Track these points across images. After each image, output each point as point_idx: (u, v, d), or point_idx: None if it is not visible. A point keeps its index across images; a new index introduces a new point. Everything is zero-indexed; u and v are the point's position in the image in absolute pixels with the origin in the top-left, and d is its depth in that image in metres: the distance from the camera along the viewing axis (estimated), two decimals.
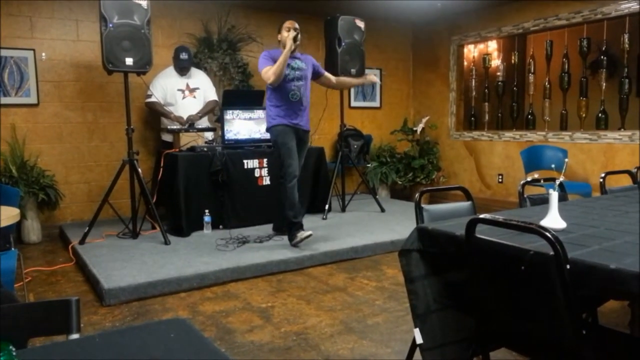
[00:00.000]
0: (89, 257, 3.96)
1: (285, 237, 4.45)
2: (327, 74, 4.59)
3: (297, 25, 4.14)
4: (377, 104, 7.41)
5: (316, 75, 4.47)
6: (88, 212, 5.17)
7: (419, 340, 1.93)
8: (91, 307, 3.23)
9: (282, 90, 4.13)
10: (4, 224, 2.32)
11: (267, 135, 5.09)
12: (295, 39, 4.04)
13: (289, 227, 4.20)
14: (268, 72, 4.03)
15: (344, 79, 4.91)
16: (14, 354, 0.79)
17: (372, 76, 4.92)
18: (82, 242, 4.38)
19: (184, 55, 5.12)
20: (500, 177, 6.42)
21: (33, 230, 4.93)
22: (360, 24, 5.41)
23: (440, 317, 1.98)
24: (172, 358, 1.00)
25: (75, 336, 1.21)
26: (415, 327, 1.95)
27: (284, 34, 4.12)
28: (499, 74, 6.77)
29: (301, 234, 4.11)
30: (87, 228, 4.43)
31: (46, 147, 5.19)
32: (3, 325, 1.20)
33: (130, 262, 3.80)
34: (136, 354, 1.02)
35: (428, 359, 1.94)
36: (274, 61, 4.07)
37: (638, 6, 4.96)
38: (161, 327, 1.17)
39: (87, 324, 2.95)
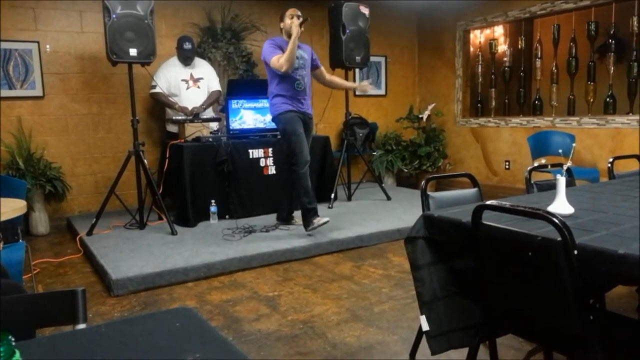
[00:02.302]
0: (96, 248, 3.99)
1: (291, 227, 4.47)
2: (322, 68, 4.52)
3: (299, 13, 4.10)
4: (382, 91, 7.37)
5: (313, 67, 4.40)
6: (95, 204, 5.20)
7: (425, 327, 1.93)
8: (99, 297, 3.26)
9: (288, 80, 4.11)
10: (11, 215, 2.33)
11: (272, 125, 5.10)
12: (301, 26, 3.98)
13: (304, 214, 4.18)
14: (280, 61, 3.98)
15: (336, 79, 4.71)
16: (14, 344, 0.79)
17: (366, 84, 4.70)
18: (89, 233, 4.40)
19: (187, 45, 5.10)
20: (507, 163, 6.39)
21: (41, 222, 4.96)
22: (365, 10, 5.36)
23: (447, 304, 1.98)
24: (179, 347, 1.00)
25: (82, 326, 1.22)
26: (422, 314, 1.95)
27: (288, 21, 4.07)
28: (505, 59, 6.71)
29: (318, 220, 4.10)
30: (95, 219, 4.46)
31: (52, 139, 5.21)
32: (11, 315, 1.21)
33: (137, 253, 3.83)
34: (142, 343, 1.02)
35: (434, 346, 1.94)
36: (281, 49, 4.04)
37: None
38: (167, 316, 1.17)
39: (96, 314, 2.98)
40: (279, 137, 4.98)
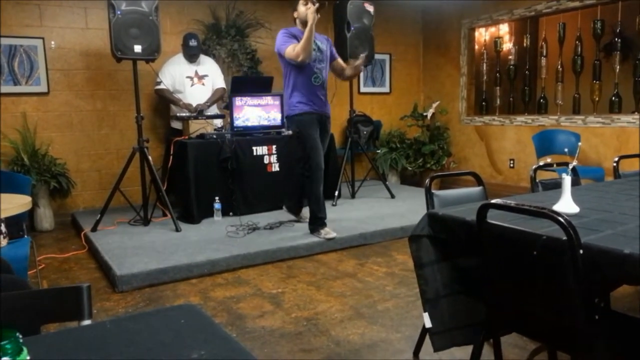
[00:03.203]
0: (101, 244, 4.00)
1: (296, 224, 4.46)
2: (339, 59, 4.25)
3: None
4: (386, 89, 7.35)
5: (331, 59, 4.16)
6: (99, 200, 5.21)
7: (428, 324, 1.93)
8: (104, 293, 3.27)
9: (304, 73, 3.89)
10: (16, 211, 2.34)
11: (276, 122, 5.11)
12: (317, 12, 3.67)
13: (311, 220, 4.14)
14: (296, 49, 3.73)
15: (347, 70, 4.22)
16: (21, 340, 0.79)
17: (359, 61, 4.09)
18: (94, 229, 4.42)
19: (192, 42, 5.10)
20: (511, 162, 6.37)
21: (45, 218, 4.98)
22: (370, 7, 5.34)
23: (450, 302, 1.98)
24: (183, 343, 1.00)
25: (87, 322, 1.22)
26: (425, 311, 1.95)
27: (302, 9, 3.82)
28: (510, 57, 6.67)
29: (325, 232, 4.05)
30: (99, 215, 4.47)
31: (57, 135, 5.22)
32: (16, 311, 1.22)
33: (141, 249, 3.83)
34: (147, 340, 1.02)
35: (437, 343, 1.94)
36: (296, 39, 3.80)
37: None
38: (172, 312, 1.17)
39: (100, 310, 2.99)
40: (284, 133, 4.99)
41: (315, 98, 3.97)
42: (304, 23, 3.77)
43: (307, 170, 4.01)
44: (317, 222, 4.10)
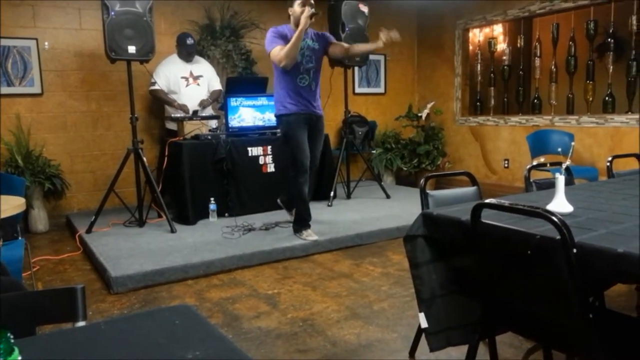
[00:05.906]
0: (96, 245, 3.99)
1: (288, 217, 4.46)
2: (335, 42, 4.03)
3: (312, 1, 3.70)
4: (381, 89, 7.36)
5: (326, 49, 3.99)
6: (94, 201, 5.19)
7: (424, 324, 1.94)
8: (99, 295, 3.26)
9: (291, 74, 3.79)
10: (10, 213, 2.33)
11: (271, 123, 5.10)
12: (311, 17, 3.60)
13: (296, 219, 4.13)
14: (280, 54, 3.64)
15: (356, 48, 4.08)
16: (12, 341, 0.79)
17: (388, 34, 3.69)
18: (88, 231, 4.40)
19: (190, 41, 5.10)
20: (506, 162, 6.39)
21: (40, 220, 4.96)
22: (364, 8, 5.35)
23: (446, 302, 1.98)
24: (177, 344, 1.00)
25: (81, 323, 1.22)
26: (420, 311, 1.95)
27: (297, 9, 3.69)
28: (504, 58, 6.70)
29: (307, 234, 4.03)
30: (94, 217, 4.45)
31: (51, 136, 5.20)
32: (11, 313, 1.21)
33: (137, 250, 3.82)
34: (141, 340, 1.02)
35: (433, 343, 1.95)
36: (284, 39, 3.71)
37: None
38: (166, 313, 1.17)
39: (96, 311, 2.98)
40: (279, 134, 4.98)
41: (302, 99, 3.86)
42: (297, 23, 3.68)
43: (292, 170, 3.97)
44: (301, 223, 4.08)
